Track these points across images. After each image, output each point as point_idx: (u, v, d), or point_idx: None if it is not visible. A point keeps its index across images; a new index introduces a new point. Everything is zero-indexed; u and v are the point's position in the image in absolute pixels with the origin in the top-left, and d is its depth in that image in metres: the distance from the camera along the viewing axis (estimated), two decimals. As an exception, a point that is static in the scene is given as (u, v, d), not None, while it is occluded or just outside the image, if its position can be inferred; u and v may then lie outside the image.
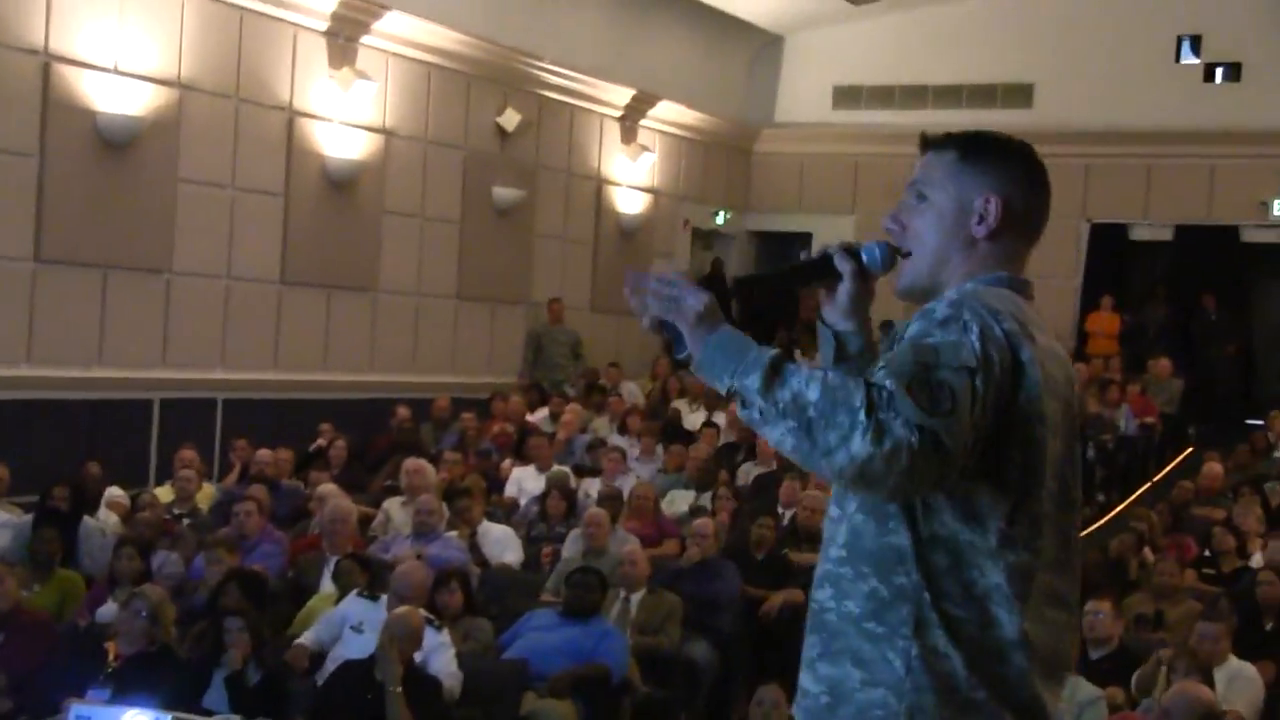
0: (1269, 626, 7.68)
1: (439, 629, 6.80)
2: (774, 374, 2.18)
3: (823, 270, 2.58)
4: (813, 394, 2.14)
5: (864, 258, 2.54)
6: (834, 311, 2.59)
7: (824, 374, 2.17)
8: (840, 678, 2.30)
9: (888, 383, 2.14)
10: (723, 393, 2.25)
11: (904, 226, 2.51)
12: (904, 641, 2.26)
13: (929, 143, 2.53)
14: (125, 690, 5.85)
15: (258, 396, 12.27)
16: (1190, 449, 14.81)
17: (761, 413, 2.18)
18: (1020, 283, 2.43)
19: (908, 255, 2.49)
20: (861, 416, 2.10)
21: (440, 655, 6.63)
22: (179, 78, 11.44)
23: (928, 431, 2.10)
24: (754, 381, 2.19)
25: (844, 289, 2.56)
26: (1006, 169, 2.47)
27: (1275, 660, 7.38)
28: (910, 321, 2.32)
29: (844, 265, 2.54)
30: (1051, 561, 2.31)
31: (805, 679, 2.38)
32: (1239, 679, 6.47)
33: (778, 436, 2.18)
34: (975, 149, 2.48)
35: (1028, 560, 2.26)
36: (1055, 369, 2.32)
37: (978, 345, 2.19)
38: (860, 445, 2.09)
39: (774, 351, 2.21)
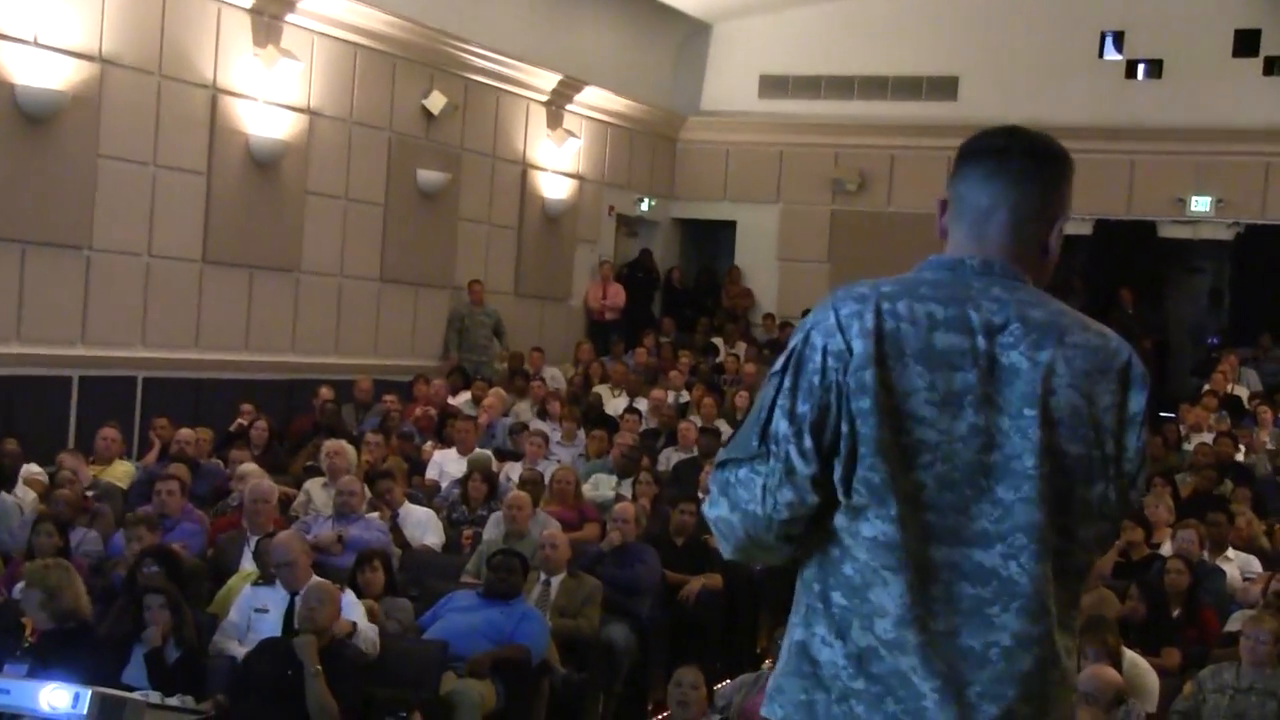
0: (1176, 613, 7.84)
1: (342, 590, 6.85)
2: None
3: None
4: None
5: None
6: None
7: None
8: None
9: None
10: None
11: None
12: (793, 629, 2.35)
13: None
14: (43, 664, 5.80)
15: (178, 375, 12.17)
16: (1104, 440, 15.03)
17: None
18: (942, 261, 2.40)
19: None
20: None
21: (353, 612, 6.68)
22: (100, 52, 11.28)
23: (724, 464, 2.33)
24: None
25: None
26: (954, 168, 2.48)
27: (1181, 647, 7.56)
28: None
29: None
30: (952, 534, 2.25)
31: None
32: (1134, 672, 6.60)
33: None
34: None
35: (890, 531, 2.23)
36: (940, 337, 2.26)
37: (798, 342, 2.29)
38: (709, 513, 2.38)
39: None
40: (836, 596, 2.28)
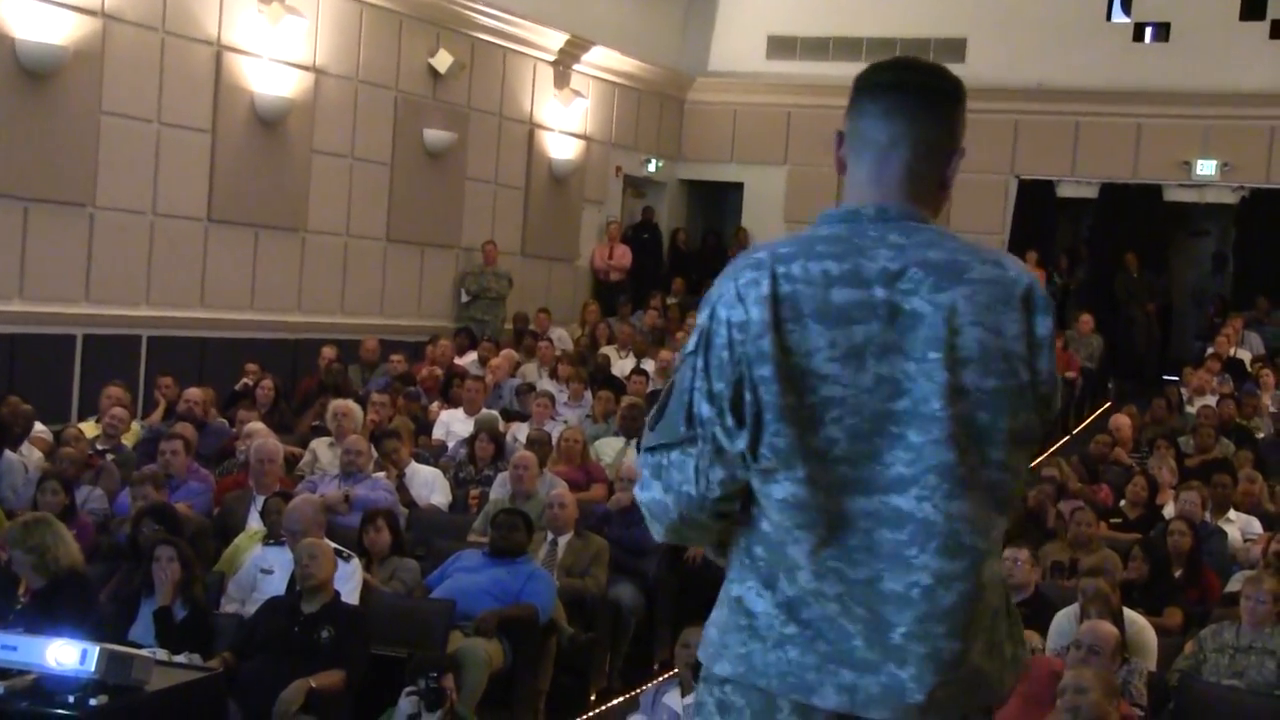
0: (1178, 574, 7.87)
1: (347, 559, 6.88)
2: None
3: None
4: None
5: None
6: None
7: None
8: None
9: None
10: None
11: None
12: (730, 584, 2.39)
13: None
14: (37, 623, 5.78)
15: (183, 334, 12.17)
16: (1109, 403, 15.09)
17: None
18: (837, 214, 2.41)
19: None
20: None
21: (345, 586, 6.69)
22: (103, 7, 11.24)
23: (654, 449, 2.35)
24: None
25: None
26: (851, 102, 2.48)
27: (1183, 607, 7.59)
28: None
29: None
30: (869, 483, 2.28)
31: None
32: (1134, 630, 6.63)
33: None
34: None
35: (798, 492, 2.28)
36: (837, 292, 2.28)
37: (705, 319, 2.32)
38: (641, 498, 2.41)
39: None
40: (759, 551, 2.34)
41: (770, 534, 2.32)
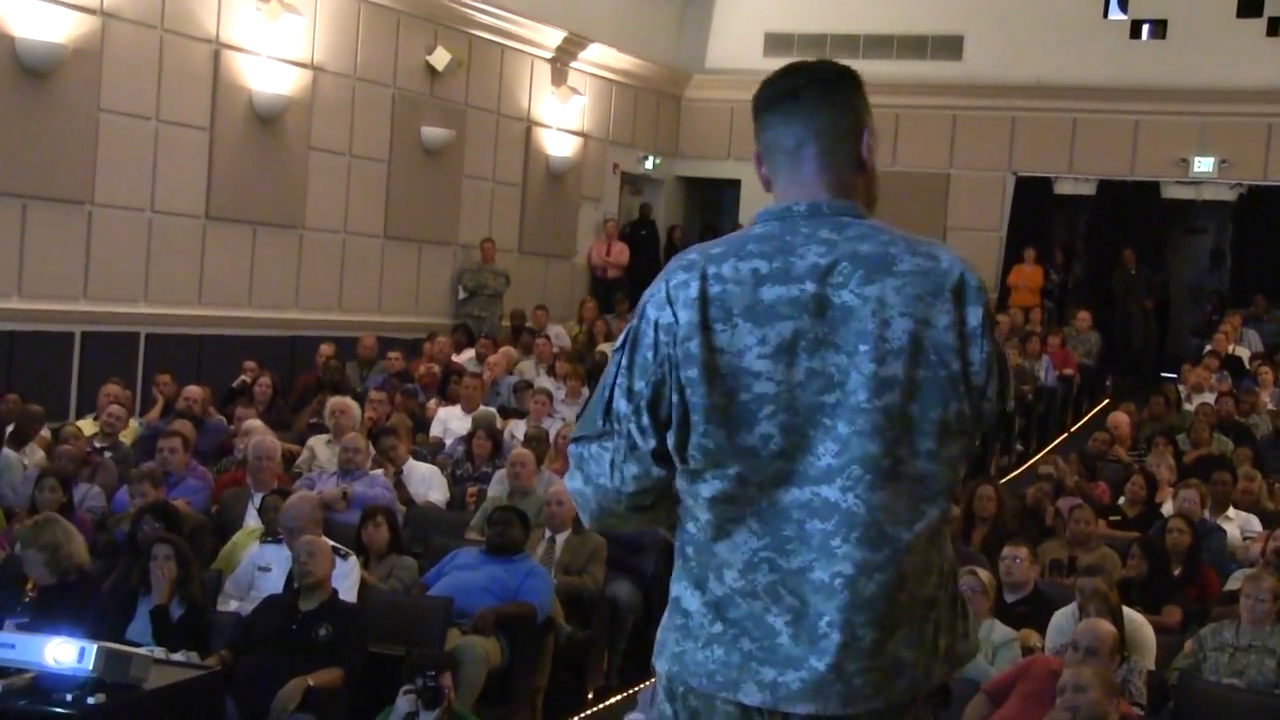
0: (1177, 573, 7.86)
1: (345, 557, 6.87)
2: None
3: None
4: None
5: None
6: None
7: None
8: None
9: None
10: None
11: None
12: (672, 583, 2.45)
13: None
14: (43, 618, 5.80)
15: (181, 331, 12.17)
16: (1107, 400, 15.10)
17: None
18: (771, 212, 2.44)
19: None
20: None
21: (343, 584, 6.68)
22: (101, 5, 11.23)
23: (578, 439, 2.42)
24: None
25: None
26: (755, 121, 2.52)
27: (1182, 605, 7.59)
28: None
29: None
30: (802, 475, 2.31)
31: None
32: (1132, 628, 6.62)
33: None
34: None
35: (729, 489, 2.32)
36: (766, 290, 2.32)
37: (635, 320, 2.38)
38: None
39: None
40: (690, 552, 2.40)
41: (697, 535, 2.38)
